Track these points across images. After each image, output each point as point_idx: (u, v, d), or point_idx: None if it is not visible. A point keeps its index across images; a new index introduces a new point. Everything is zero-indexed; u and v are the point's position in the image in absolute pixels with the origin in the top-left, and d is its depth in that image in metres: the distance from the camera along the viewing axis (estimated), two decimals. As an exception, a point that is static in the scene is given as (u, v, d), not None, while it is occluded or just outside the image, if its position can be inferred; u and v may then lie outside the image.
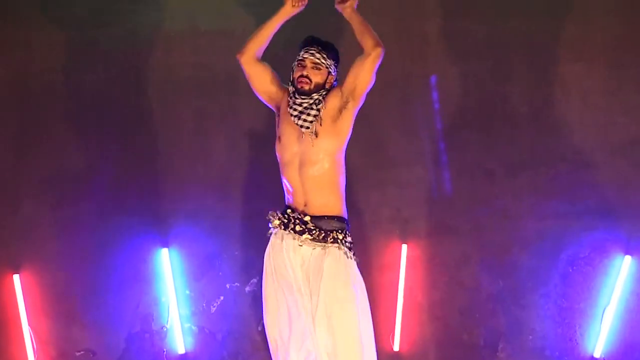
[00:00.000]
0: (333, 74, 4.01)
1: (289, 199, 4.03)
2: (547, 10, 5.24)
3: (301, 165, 3.94)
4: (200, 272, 5.28)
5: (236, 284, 5.24)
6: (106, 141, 5.23)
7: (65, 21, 5.19)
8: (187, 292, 5.28)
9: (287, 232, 3.93)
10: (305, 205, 3.94)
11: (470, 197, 5.29)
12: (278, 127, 4.08)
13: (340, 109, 3.95)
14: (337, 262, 3.89)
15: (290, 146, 3.98)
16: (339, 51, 4.05)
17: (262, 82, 4.06)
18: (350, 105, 3.95)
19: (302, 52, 3.98)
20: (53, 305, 5.19)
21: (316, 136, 3.89)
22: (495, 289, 5.29)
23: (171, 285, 5.21)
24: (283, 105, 4.05)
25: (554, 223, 5.24)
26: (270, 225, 4.03)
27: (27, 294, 5.12)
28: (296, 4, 3.96)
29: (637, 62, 5.21)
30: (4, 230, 5.16)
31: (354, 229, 4.38)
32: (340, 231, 3.92)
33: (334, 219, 3.93)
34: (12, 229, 5.17)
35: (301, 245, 3.92)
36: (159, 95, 5.23)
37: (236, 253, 5.20)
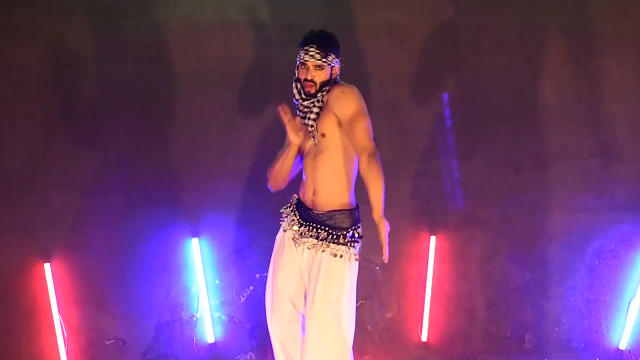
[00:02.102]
0: (336, 66, 4.01)
1: (301, 190, 4.10)
2: (581, 3, 5.24)
3: (314, 155, 4.03)
4: (230, 262, 5.26)
5: (265, 274, 4.78)
6: (136, 132, 5.17)
7: (96, 11, 5.10)
8: (217, 281, 5.27)
9: (293, 230, 4.04)
10: (314, 194, 4.00)
11: (500, 190, 5.30)
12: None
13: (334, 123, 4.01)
14: (335, 269, 3.95)
15: (307, 139, 4.09)
16: (337, 40, 4.02)
17: None
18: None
19: (302, 53, 3.97)
20: (83, 295, 5.15)
21: (322, 136, 3.97)
22: (523, 282, 5.31)
23: (201, 275, 5.20)
24: None
25: (582, 216, 5.27)
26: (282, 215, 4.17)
27: (57, 283, 5.09)
28: (299, 131, 3.99)
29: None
30: (34, 219, 5.08)
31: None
32: (347, 230, 3.94)
33: (344, 213, 3.96)
34: (42, 218, 5.08)
35: (309, 248, 4.00)
36: (188, 87, 5.18)
37: (266, 243, 5.10)
